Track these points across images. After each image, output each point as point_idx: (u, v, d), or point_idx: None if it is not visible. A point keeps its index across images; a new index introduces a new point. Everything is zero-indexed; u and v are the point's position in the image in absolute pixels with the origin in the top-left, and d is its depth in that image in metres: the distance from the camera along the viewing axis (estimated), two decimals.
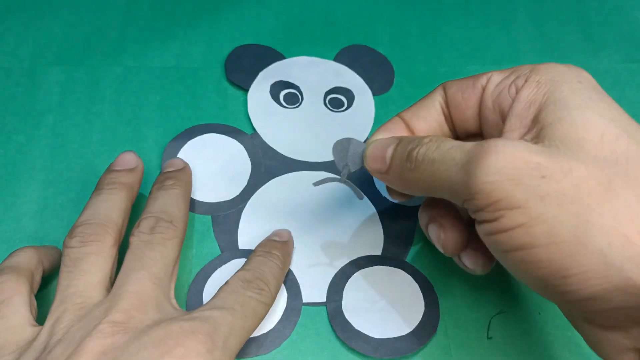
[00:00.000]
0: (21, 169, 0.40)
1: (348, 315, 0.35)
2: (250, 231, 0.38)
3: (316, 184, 0.35)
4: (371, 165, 0.31)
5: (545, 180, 0.23)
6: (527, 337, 0.35)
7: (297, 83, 0.44)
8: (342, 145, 0.34)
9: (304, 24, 0.47)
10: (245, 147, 0.40)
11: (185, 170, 0.37)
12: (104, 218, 0.31)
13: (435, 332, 0.34)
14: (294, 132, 0.42)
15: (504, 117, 0.28)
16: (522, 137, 0.26)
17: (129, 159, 0.35)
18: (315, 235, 0.38)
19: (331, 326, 0.35)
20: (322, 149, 0.41)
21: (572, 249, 0.22)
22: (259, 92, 0.43)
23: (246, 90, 0.43)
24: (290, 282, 0.36)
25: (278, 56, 0.45)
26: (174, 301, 0.30)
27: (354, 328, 0.34)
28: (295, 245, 0.37)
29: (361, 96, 0.43)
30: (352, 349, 0.34)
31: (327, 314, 0.35)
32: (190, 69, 0.44)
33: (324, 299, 0.36)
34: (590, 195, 0.22)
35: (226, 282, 0.31)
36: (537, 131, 0.25)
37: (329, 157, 0.41)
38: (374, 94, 0.44)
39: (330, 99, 0.43)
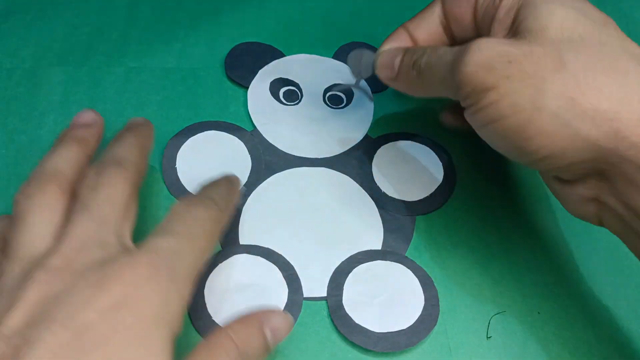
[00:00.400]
0: (23, 169, 0.40)
1: (348, 309, 0.35)
2: (251, 227, 0.38)
3: (333, 88, 0.40)
4: (382, 72, 0.36)
5: (511, 64, 0.27)
6: (526, 336, 0.35)
7: (296, 80, 0.44)
8: (356, 56, 0.39)
9: (304, 24, 0.48)
10: (245, 144, 0.41)
11: (145, 124, 0.36)
12: (50, 171, 0.30)
13: (435, 325, 0.34)
14: (293, 129, 0.42)
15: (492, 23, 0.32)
16: (515, 31, 0.30)
17: (84, 116, 0.35)
18: (316, 230, 0.38)
19: (332, 320, 0.35)
20: (322, 145, 0.41)
21: (531, 115, 0.27)
22: (258, 89, 0.44)
23: (246, 88, 0.44)
24: (291, 276, 0.36)
25: (278, 54, 0.45)
26: (127, 240, 0.29)
27: (355, 322, 0.34)
28: (295, 240, 0.37)
29: (361, 93, 0.43)
30: (352, 343, 0.34)
31: (328, 309, 0.35)
32: (191, 69, 0.45)
33: (324, 294, 0.36)
34: (545, 70, 0.27)
35: (170, 208, 0.30)
36: (514, 30, 0.30)
37: (329, 153, 0.41)
38: (372, 91, 0.44)
39: (330, 96, 0.43)
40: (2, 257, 0.28)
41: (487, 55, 0.28)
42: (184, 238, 0.28)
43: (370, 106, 0.43)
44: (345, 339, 0.34)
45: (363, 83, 0.40)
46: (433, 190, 0.39)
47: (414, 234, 0.38)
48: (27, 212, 0.29)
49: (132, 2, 0.48)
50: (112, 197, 0.29)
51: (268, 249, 0.37)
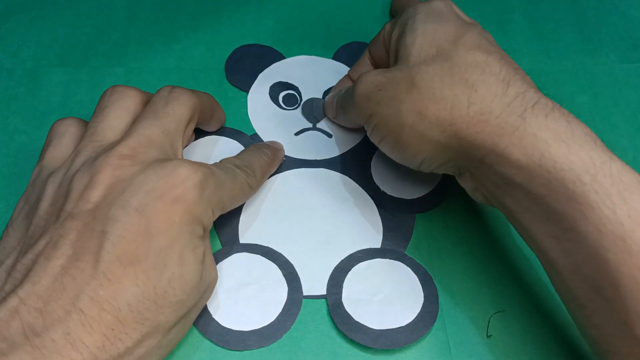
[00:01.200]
0: (24, 169, 0.40)
1: (348, 307, 0.35)
2: (251, 226, 0.38)
3: (297, 134, 0.42)
4: (328, 114, 0.42)
5: (380, 91, 0.33)
6: (526, 335, 0.35)
7: (296, 84, 0.44)
8: (308, 105, 0.43)
9: (304, 25, 0.48)
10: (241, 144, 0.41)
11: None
12: (137, 88, 0.35)
13: (434, 323, 0.35)
14: (292, 133, 0.42)
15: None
16: (393, 60, 0.35)
17: None
18: (315, 229, 0.38)
19: (331, 318, 0.35)
20: (321, 146, 0.42)
21: (399, 131, 0.32)
22: (258, 94, 0.44)
23: (246, 92, 0.44)
24: (290, 275, 0.36)
25: (278, 56, 0.46)
26: (179, 153, 0.34)
27: (354, 320, 0.34)
28: (295, 239, 0.38)
29: None
30: (352, 341, 0.34)
31: (327, 307, 0.35)
32: (191, 70, 0.45)
33: (324, 292, 0.36)
34: (402, 91, 0.32)
35: (220, 160, 0.35)
36: (395, 59, 0.35)
37: (328, 154, 0.41)
38: None
39: None
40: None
41: (364, 87, 0.34)
42: (229, 178, 0.33)
43: None
44: (344, 336, 0.34)
45: (321, 124, 0.42)
46: (432, 187, 0.40)
47: (414, 231, 0.38)
48: (106, 107, 0.33)
49: (132, 2, 0.48)
50: (177, 112, 0.33)
51: (268, 247, 0.37)
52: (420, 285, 0.36)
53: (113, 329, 0.26)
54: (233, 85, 0.44)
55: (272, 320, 0.34)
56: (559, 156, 0.27)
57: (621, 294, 0.26)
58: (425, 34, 0.33)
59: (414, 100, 0.31)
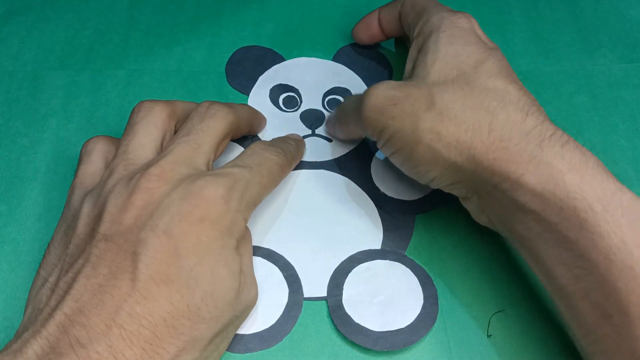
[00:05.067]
0: (25, 172, 0.40)
1: (348, 309, 0.35)
2: (252, 228, 0.38)
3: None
4: (327, 132, 0.42)
5: (395, 106, 0.32)
6: (526, 335, 0.35)
7: (296, 86, 0.44)
8: (306, 115, 0.43)
9: (304, 27, 0.48)
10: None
11: None
12: (164, 101, 0.35)
13: (434, 324, 0.35)
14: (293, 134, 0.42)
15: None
16: (409, 76, 0.36)
17: None
18: (315, 230, 0.38)
19: (331, 320, 0.35)
20: (321, 148, 0.42)
21: (413, 147, 0.32)
22: (259, 96, 0.44)
23: (247, 95, 0.44)
24: (291, 277, 0.36)
25: (278, 58, 0.46)
26: (211, 166, 0.34)
27: (354, 322, 0.35)
28: (296, 240, 0.38)
29: None
30: (352, 342, 0.34)
31: (328, 308, 0.35)
32: (192, 72, 0.45)
33: (324, 294, 0.36)
34: (420, 109, 0.32)
35: (248, 146, 0.36)
36: (413, 70, 0.35)
37: (328, 156, 0.41)
38: None
39: (329, 100, 0.44)
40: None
41: (378, 100, 0.33)
42: (255, 172, 0.33)
43: None
44: (345, 338, 0.34)
45: (320, 130, 0.43)
46: (432, 189, 0.39)
47: (414, 232, 0.38)
48: (137, 124, 0.34)
49: (133, 5, 0.48)
50: (212, 129, 0.34)
51: (269, 249, 0.37)
52: (420, 287, 0.36)
53: (151, 344, 0.27)
54: (234, 88, 0.44)
55: (273, 322, 0.35)
56: (573, 185, 0.28)
57: (630, 321, 0.27)
58: (447, 57, 0.33)
59: (433, 119, 0.31)
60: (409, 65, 0.36)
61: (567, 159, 0.29)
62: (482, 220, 0.34)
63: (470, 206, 0.34)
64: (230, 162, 0.34)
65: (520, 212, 0.30)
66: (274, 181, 0.35)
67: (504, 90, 0.32)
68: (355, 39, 0.46)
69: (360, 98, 0.34)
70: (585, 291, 0.28)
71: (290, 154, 0.38)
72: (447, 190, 0.34)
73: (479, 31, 0.36)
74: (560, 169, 0.29)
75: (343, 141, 0.42)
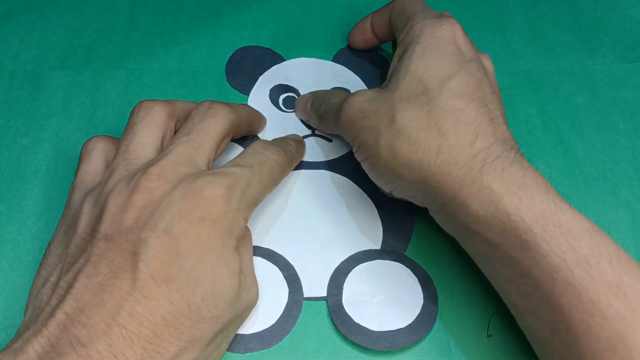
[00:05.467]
0: (26, 171, 0.40)
1: (348, 309, 0.35)
2: (252, 227, 0.38)
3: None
4: (298, 115, 0.43)
5: (365, 119, 0.34)
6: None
7: (296, 86, 0.44)
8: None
9: (304, 27, 0.48)
10: None
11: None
12: (164, 100, 0.36)
13: (434, 324, 0.35)
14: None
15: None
16: (386, 85, 0.36)
17: None
18: (315, 231, 0.38)
19: (331, 320, 0.35)
20: (321, 148, 0.42)
21: (375, 160, 0.34)
22: (259, 96, 0.44)
23: (247, 94, 0.44)
24: (291, 277, 0.36)
25: (278, 58, 0.46)
26: (211, 165, 0.34)
27: (354, 322, 0.35)
28: (296, 240, 0.38)
29: None
30: (352, 342, 0.34)
31: (328, 308, 0.36)
32: (192, 72, 0.45)
33: (324, 294, 0.36)
34: (382, 125, 0.33)
35: (249, 145, 0.36)
36: (389, 81, 0.36)
37: (328, 156, 0.41)
38: None
39: None
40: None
41: (352, 112, 0.35)
42: (255, 171, 0.33)
43: None
44: (345, 338, 0.35)
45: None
46: None
47: (413, 232, 0.39)
48: (136, 124, 0.34)
49: (133, 5, 0.48)
50: (212, 128, 0.34)
51: (269, 249, 0.37)
52: (419, 286, 0.36)
53: (151, 343, 0.27)
54: (234, 88, 0.44)
55: (273, 322, 0.35)
56: (512, 208, 0.29)
57: (575, 336, 0.28)
58: (417, 71, 0.34)
59: (391, 136, 0.33)
60: (389, 73, 0.37)
61: (506, 183, 0.30)
62: (448, 229, 0.35)
63: (434, 216, 0.35)
64: (230, 161, 0.34)
65: (466, 232, 0.32)
66: (274, 180, 0.36)
67: (461, 111, 0.32)
68: (351, 44, 0.46)
69: (340, 105, 0.36)
70: (533, 307, 0.30)
71: (290, 154, 0.38)
72: (409, 200, 0.35)
73: (460, 39, 0.36)
74: (499, 193, 0.30)
75: (330, 135, 0.43)
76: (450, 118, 0.32)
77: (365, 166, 0.36)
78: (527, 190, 0.29)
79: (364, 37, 0.45)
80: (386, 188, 0.35)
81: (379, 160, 0.33)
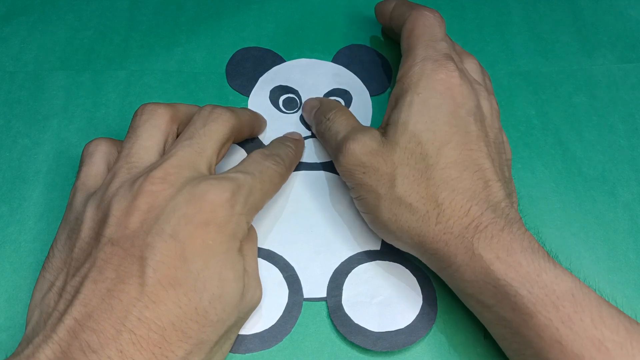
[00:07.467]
0: (27, 172, 0.40)
1: (348, 309, 0.35)
2: None
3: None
4: (305, 116, 0.43)
5: (365, 175, 0.35)
6: None
7: (296, 87, 0.44)
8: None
9: (304, 28, 0.48)
10: (247, 151, 0.41)
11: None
12: (167, 104, 0.36)
13: (433, 325, 0.35)
14: None
15: None
16: (384, 124, 0.37)
17: None
18: (315, 232, 0.38)
19: (331, 321, 0.35)
20: (321, 149, 0.42)
21: (373, 217, 0.35)
22: (259, 97, 0.44)
23: (247, 96, 0.44)
24: (291, 277, 0.36)
25: (278, 59, 0.46)
26: (213, 170, 0.34)
27: (354, 322, 0.35)
28: (296, 241, 0.38)
29: (359, 97, 0.44)
30: (352, 343, 0.34)
31: (327, 309, 0.36)
32: (192, 73, 0.45)
33: (324, 295, 0.36)
34: (383, 187, 0.34)
35: (248, 155, 0.36)
36: (388, 121, 0.36)
37: (327, 157, 0.41)
38: (371, 95, 0.44)
39: None
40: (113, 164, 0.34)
41: (351, 162, 0.35)
42: (257, 179, 0.34)
43: (368, 110, 0.44)
44: (344, 338, 0.35)
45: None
46: None
47: None
48: (139, 127, 0.34)
49: (134, 6, 0.48)
50: (215, 133, 0.34)
51: (268, 250, 0.38)
52: (419, 287, 0.36)
53: (160, 347, 0.28)
54: (234, 89, 0.44)
55: (273, 323, 0.35)
56: (500, 274, 0.31)
57: None
58: (416, 130, 0.34)
59: (392, 202, 0.34)
60: (387, 112, 0.37)
61: (495, 250, 0.31)
62: (450, 287, 0.36)
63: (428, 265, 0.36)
64: (232, 168, 0.34)
65: (463, 294, 0.33)
66: (274, 188, 0.36)
67: (456, 180, 0.33)
68: (376, 16, 0.46)
69: (339, 146, 0.37)
70: None
71: (289, 161, 0.38)
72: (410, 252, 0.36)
73: (457, 90, 0.35)
74: (488, 260, 0.31)
75: None
76: (447, 187, 0.33)
77: (365, 218, 0.37)
78: (514, 256, 0.31)
79: (383, 19, 0.44)
80: (386, 239, 0.36)
81: (379, 219, 0.35)
